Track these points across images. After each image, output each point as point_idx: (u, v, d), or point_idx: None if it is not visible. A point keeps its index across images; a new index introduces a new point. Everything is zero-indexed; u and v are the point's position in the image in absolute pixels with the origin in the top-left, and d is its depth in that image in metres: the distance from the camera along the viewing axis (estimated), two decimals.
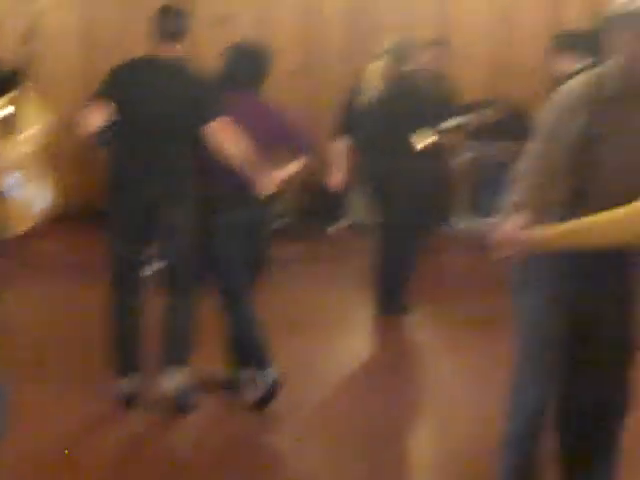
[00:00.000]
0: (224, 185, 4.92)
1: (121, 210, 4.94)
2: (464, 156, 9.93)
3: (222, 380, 5.28)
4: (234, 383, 5.17)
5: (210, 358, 5.31)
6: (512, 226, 3.21)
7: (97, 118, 4.78)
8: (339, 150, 6.83)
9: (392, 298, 6.80)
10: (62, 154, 8.64)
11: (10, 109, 4.90)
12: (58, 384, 5.32)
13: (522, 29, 10.43)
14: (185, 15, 5.00)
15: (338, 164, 6.78)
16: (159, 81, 4.90)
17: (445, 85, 9.02)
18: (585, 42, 6.40)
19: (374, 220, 7.04)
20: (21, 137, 4.95)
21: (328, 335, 6.50)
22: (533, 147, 3.26)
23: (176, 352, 5.00)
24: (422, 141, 7.30)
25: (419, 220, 6.88)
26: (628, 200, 3.04)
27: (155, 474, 4.38)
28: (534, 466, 3.52)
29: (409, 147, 6.66)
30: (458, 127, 8.64)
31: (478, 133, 9.40)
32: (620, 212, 2.95)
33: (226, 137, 4.71)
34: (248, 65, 5.09)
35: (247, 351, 5.05)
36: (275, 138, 5.03)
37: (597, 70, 3.24)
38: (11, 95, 4.91)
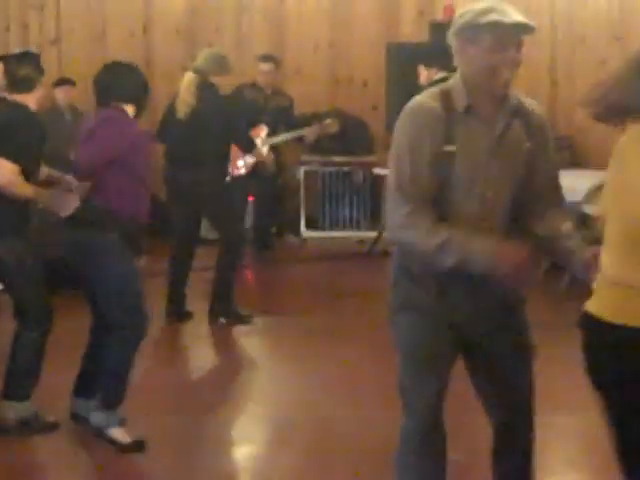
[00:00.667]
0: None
1: None
2: (305, 168, 10.03)
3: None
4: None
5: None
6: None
7: None
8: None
9: (224, 308, 6.83)
10: None
11: None
12: None
13: (360, 42, 10.60)
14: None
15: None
16: None
17: (279, 99, 9.09)
18: (438, 55, 6.63)
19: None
20: None
21: (168, 346, 6.48)
22: (398, 164, 3.10)
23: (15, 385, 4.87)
24: (255, 154, 7.37)
25: (230, 232, 6.89)
26: (482, 219, 3.07)
27: None
28: (435, 464, 3.34)
29: (214, 160, 6.66)
30: (295, 140, 8.73)
31: (317, 146, 9.50)
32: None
33: None
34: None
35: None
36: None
37: (443, 85, 3.18)
38: None
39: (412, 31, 10.01)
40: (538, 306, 7.43)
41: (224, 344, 6.77)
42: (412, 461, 3.30)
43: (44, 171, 4.91)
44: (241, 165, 7.35)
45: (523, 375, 3.39)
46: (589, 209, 7.76)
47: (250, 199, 8.74)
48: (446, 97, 3.10)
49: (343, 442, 4.85)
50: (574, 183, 8.11)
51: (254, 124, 7.38)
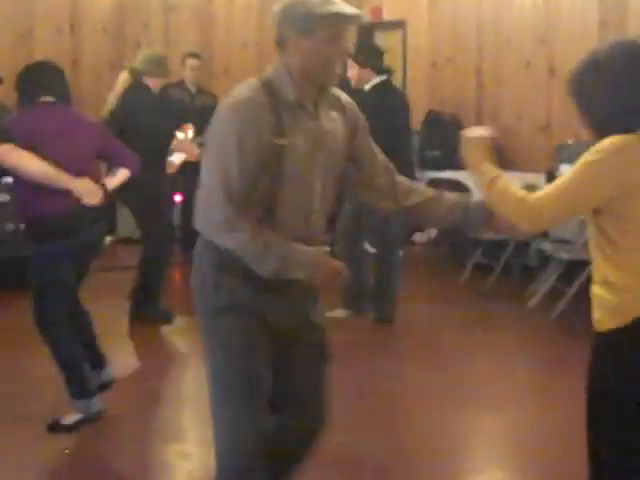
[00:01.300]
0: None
1: None
2: None
3: None
4: None
5: None
6: None
7: None
8: None
9: (147, 305, 6.80)
10: None
11: None
12: None
13: None
14: None
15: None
16: None
17: (204, 97, 9.09)
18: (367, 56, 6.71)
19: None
20: None
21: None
22: (223, 163, 2.94)
23: None
24: (184, 154, 7.33)
25: (157, 231, 6.83)
26: (311, 211, 3.03)
27: None
28: None
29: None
30: None
31: None
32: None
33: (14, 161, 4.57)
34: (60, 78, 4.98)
35: None
36: (98, 151, 4.89)
37: (262, 76, 3.02)
38: None
39: None
40: (464, 305, 7.63)
41: (147, 342, 6.72)
42: None
43: None
44: (170, 163, 7.28)
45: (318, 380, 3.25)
46: None
47: (178, 197, 8.70)
48: (269, 89, 2.98)
49: None
50: None
51: (181, 123, 7.32)
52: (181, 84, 8.92)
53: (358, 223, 6.83)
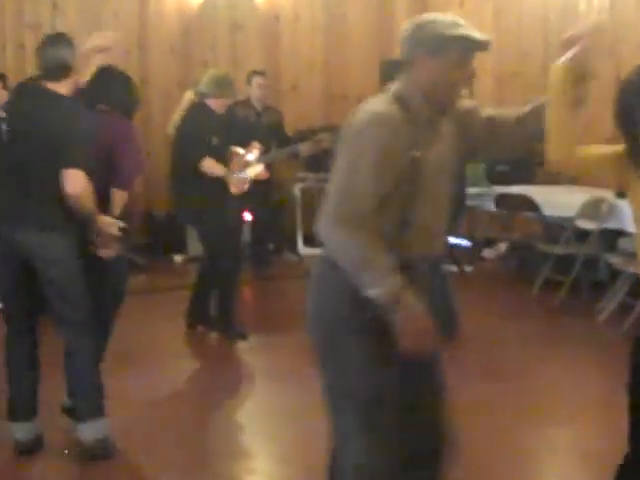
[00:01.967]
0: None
1: None
2: (301, 185, 10.05)
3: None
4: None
5: None
6: None
7: None
8: None
9: (223, 324, 6.87)
10: None
11: None
12: None
13: (354, 59, 10.70)
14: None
15: None
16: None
17: (270, 115, 9.15)
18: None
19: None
20: None
21: (165, 362, 6.50)
22: (360, 169, 2.93)
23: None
24: (250, 172, 7.37)
25: (223, 250, 6.85)
26: (438, 225, 3.06)
27: None
28: None
29: (194, 177, 6.66)
30: (290, 156, 8.73)
31: (313, 162, 9.51)
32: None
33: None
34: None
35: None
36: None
37: (394, 92, 3.02)
38: None
39: None
40: (534, 320, 7.55)
41: (221, 359, 6.76)
42: None
43: None
44: (240, 182, 7.30)
45: None
46: (583, 224, 7.80)
47: (248, 216, 8.74)
48: (403, 105, 2.98)
49: None
50: (567, 198, 8.16)
51: (245, 141, 7.36)
52: (247, 102, 8.99)
53: None
